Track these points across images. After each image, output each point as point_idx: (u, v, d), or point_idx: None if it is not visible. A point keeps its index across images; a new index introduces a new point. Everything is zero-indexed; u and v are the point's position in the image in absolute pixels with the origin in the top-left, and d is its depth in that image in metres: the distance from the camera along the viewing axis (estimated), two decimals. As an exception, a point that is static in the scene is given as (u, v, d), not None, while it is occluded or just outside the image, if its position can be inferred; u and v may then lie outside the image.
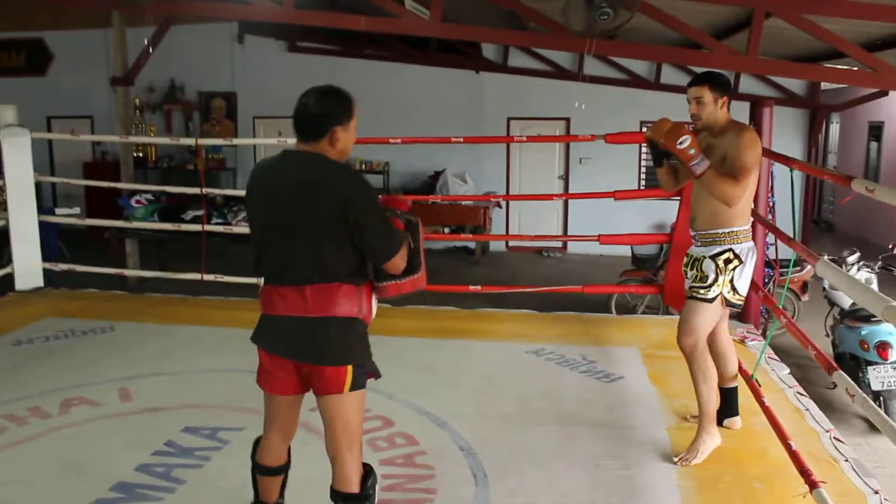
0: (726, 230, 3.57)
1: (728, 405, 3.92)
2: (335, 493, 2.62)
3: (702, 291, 3.59)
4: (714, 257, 3.57)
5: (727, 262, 3.56)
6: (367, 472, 2.66)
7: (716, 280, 3.55)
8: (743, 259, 3.57)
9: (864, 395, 2.66)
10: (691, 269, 3.70)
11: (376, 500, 2.75)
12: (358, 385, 2.56)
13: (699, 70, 3.84)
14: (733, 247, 3.57)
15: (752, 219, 3.64)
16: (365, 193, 2.50)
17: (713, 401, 3.66)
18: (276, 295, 2.54)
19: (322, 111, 2.50)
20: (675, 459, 3.62)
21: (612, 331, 5.78)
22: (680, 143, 3.32)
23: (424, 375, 4.73)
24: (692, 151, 3.32)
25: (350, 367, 2.53)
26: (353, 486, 2.60)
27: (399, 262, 2.58)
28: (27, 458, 3.64)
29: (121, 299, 6.82)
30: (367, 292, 2.60)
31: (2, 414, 4.11)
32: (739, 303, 3.64)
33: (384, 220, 2.56)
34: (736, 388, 3.92)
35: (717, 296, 3.56)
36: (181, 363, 4.96)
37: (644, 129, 3.66)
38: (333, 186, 2.45)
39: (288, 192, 2.48)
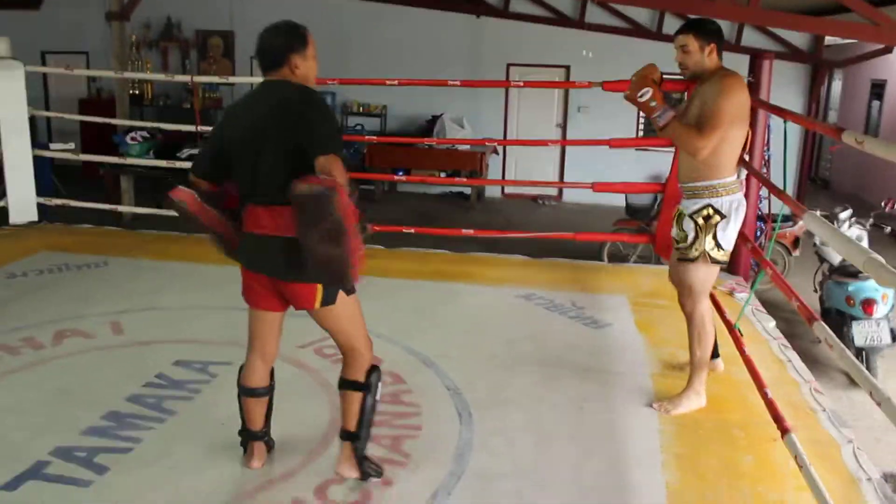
0: (706, 183, 3.45)
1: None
2: (342, 380, 2.91)
3: (686, 252, 3.53)
4: (693, 215, 3.47)
5: (707, 218, 3.45)
6: (372, 368, 2.90)
7: (696, 238, 3.47)
8: (726, 214, 3.45)
9: (844, 347, 2.70)
10: (676, 224, 3.61)
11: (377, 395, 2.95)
12: (329, 301, 2.71)
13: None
14: (712, 201, 3.45)
15: (738, 172, 3.54)
16: (319, 105, 2.65)
17: (705, 363, 3.64)
18: (248, 213, 2.73)
19: (278, 43, 2.70)
20: (655, 405, 3.68)
21: (602, 278, 5.83)
22: (641, 96, 3.26)
23: (414, 316, 4.79)
24: (653, 104, 3.24)
25: (319, 286, 2.68)
26: (357, 375, 2.87)
27: (337, 170, 2.46)
28: (20, 387, 3.70)
29: (115, 235, 6.85)
30: None
31: (-5, 344, 4.17)
32: (724, 259, 3.54)
33: (331, 130, 2.63)
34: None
35: (700, 254, 3.48)
36: (173, 299, 5.01)
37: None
38: (293, 103, 2.62)
39: (256, 113, 2.67)
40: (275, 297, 2.80)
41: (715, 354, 3.95)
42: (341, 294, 2.74)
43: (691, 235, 3.49)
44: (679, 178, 3.60)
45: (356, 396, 2.88)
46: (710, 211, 3.45)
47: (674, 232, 3.63)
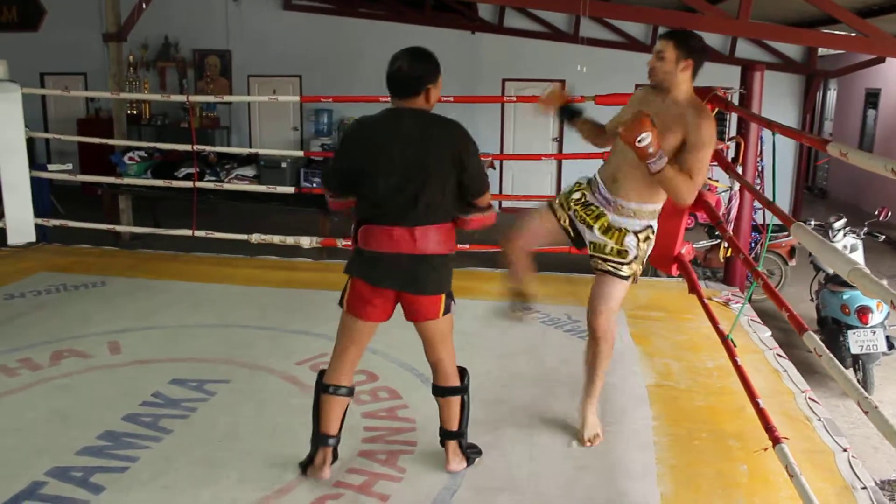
0: (652, 207, 3.35)
1: None
2: (441, 389, 3.12)
3: (621, 268, 3.36)
4: (637, 233, 3.35)
5: (646, 240, 3.37)
6: (463, 372, 3.18)
7: (635, 257, 3.36)
8: (653, 234, 3.41)
9: (832, 356, 2.72)
10: (605, 235, 3.38)
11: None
12: (448, 309, 3.00)
13: (695, 34, 3.68)
14: (651, 223, 3.39)
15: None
16: (472, 142, 2.92)
17: (600, 383, 3.55)
18: (383, 234, 2.86)
19: (418, 73, 2.85)
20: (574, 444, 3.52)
21: (598, 292, 5.83)
22: (639, 141, 3.06)
23: (410, 332, 4.71)
24: (651, 150, 3.07)
25: (443, 296, 2.96)
26: (454, 381, 3.11)
27: (488, 196, 3.02)
28: (18, 407, 3.72)
29: (113, 255, 6.87)
30: (454, 229, 3.00)
31: (-7, 365, 4.18)
32: (633, 276, 3.42)
33: (481, 161, 2.97)
34: None
35: (633, 274, 3.38)
36: (171, 318, 5.03)
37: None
38: (449, 136, 2.87)
39: (405, 142, 2.81)
40: (390, 308, 2.99)
41: None
42: None
43: (632, 253, 3.35)
44: (617, 192, 3.35)
45: (456, 400, 3.13)
46: (650, 233, 3.39)
47: (609, 247, 3.37)
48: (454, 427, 3.15)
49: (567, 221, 3.51)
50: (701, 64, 3.30)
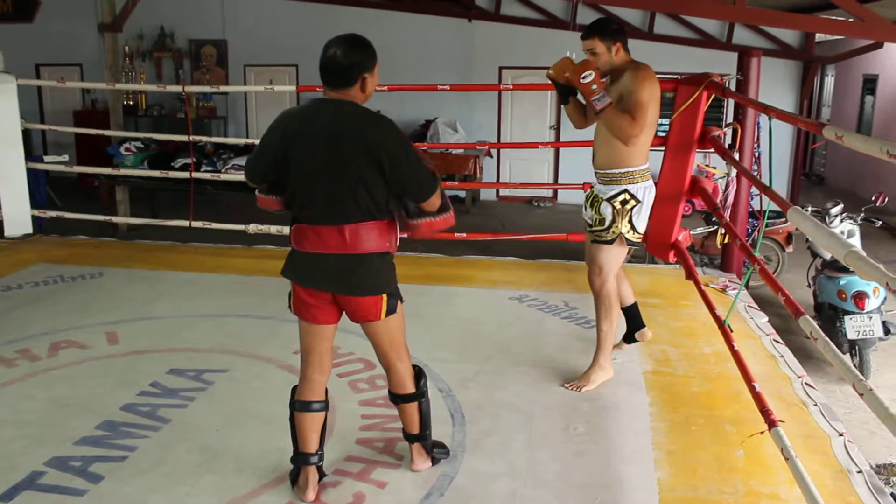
0: (622, 170, 3.69)
1: (634, 321, 4.20)
2: (394, 396, 3.01)
3: (603, 234, 3.75)
4: (610, 200, 3.71)
5: (623, 202, 3.69)
6: (419, 373, 3.03)
7: (613, 222, 3.71)
8: (640, 199, 3.70)
9: (828, 340, 2.72)
10: (590, 208, 3.84)
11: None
12: (392, 310, 2.82)
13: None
14: (629, 187, 3.69)
15: (646, 161, 3.75)
16: (399, 138, 2.69)
17: (611, 338, 3.89)
18: (312, 233, 2.71)
19: (352, 60, 2.65)
20: (567, 385, 3.87)
21: (595, 279, 5.84)
22: (583, 78, 3.39)
23: (408, 321, 4.73)
24: (594, 87, 3.39)
25: (384, 297, 2.79)
26: (409, 388, 2.98)
27: (436, 199, 2.78)
28: (16, 398, 3.72)
29: (110, 246, 6.87)
30: (394, 225, 2.82)
31: (-9, 356, 4.19)
32: (638, 240, 3.80)
33: (420, 161, 2.73)
34: (636, 303, 4.19)
35: (617, 237, 3.72)
36: (168, 308, 5.03)
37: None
38: (370, 132, 2.63)
39: (326, 137, 2.63)
40: (333, 310, 2.82)
41: (641, 325, 4.21)
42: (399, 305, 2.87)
43: (609, 219, 3.72)
44: (595, 164, 3.81)
45: (413, 406, 3.01)
46: (627, 196, 3.70)
47: (588, 215, 3.86)
48: (415, 430, 3.05)
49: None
50: (626, 39, 3.66)
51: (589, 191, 3.93)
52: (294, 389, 2.93)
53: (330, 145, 2.62)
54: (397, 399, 3.01)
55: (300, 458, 2.92)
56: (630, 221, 3.71)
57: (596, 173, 3.83)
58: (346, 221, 2.67)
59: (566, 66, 3.55)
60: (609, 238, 3.73)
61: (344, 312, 2.85)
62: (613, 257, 3.79)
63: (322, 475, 2.98)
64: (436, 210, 2.82)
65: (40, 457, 3.15)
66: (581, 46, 3.70)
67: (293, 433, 2.91)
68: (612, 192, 3.71)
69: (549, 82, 3.71)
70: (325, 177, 2.65)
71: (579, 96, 3.75)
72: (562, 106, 3.96)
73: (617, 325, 3.92)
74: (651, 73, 3.60)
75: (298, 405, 2.88)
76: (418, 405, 3.01)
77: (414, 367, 3.03)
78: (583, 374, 3.89)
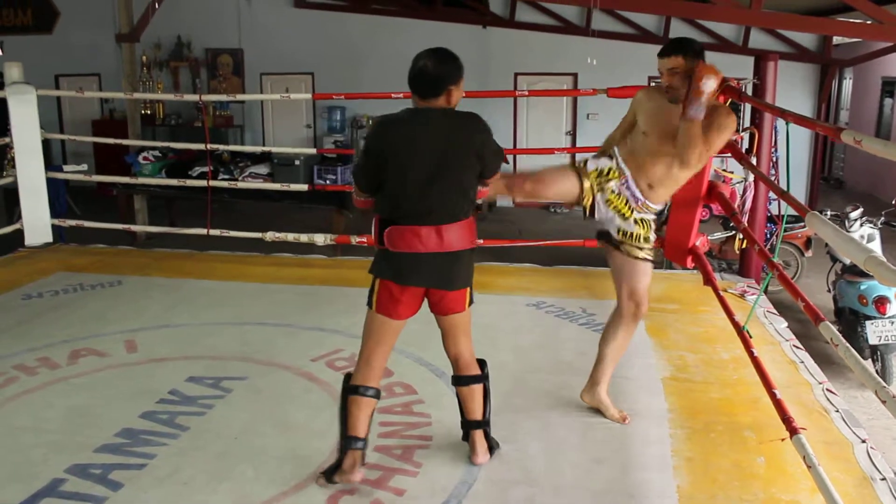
0: (655, 206, 3.49)
1: None
2: (461, 378, 3.17)
3: (645, 252, 3.50)
4: (653, 219, 3.52)
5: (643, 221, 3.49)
6: (482, 362, 3.23)
7: (648, 241, 3.50)
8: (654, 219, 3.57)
9: (849, 346, 2.70)
10: (634, 223, 3.48)
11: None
12: (471, 300, 3.08)
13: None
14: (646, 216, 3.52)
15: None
16: (488, 129, 2.96)
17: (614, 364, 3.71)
18: (411, 234, 2.87)
19: (441, 73, 2.84)
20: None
21: (612, 285, 5.81)
22: (704, 84, 3.15)
23: (425, 327, 4.72)
24: (703, 98, 3.15)
25: (468, 289, 3.05)
26: (476, 370, 3.18)
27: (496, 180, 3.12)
28: (37, 406, 3.75)
29: (129, 254, 6.91)
30: (475, 221, 3.04)
31: (12, 364, 4.22)
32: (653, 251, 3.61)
33: (496, 143, 3.01)
34: None
35: (651, 255, 3.54)
36: (187, 316, 5.06)
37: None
38: (472, 130, 2.90)
39: (437, 142, 2.84)
40: (417, 304, 3.02)
41: None
42: None
43: (652, 238, 3.52)
44: (652, 200, 3.48)
45: (479, 388, 3.18)
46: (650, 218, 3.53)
47: (630, 225, 3.49)
48: (478, 416, 3.20)
49: (589, 202, 3.51)
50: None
51: (632, 212, 3.54)
52: (348, 376, 3.07)
53: (442, 150, 2.83)
54: (465, 381, 3.15)
55: (349, 442, 3.01)
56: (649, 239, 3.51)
57: (645, 202, 3.47)
58: (444, 221, 2.87)
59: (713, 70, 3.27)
60: (650, 257, 3.52)
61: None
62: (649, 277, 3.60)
63: (363, 461, 3.07)
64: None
65: (61, 464, 3.17)
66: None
67: (343, 418, 3.03)
68: (640, 216, 3.47)
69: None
70: (436, 177, 2.82)
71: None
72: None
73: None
74: (733, 121, 3.34)
75: (360, 389, 3.00)
76: (483, 387, 3.19)
77: (477, 358, 3.20)
78: (607, 410, 3.66)
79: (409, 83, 2.87)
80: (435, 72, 2.83)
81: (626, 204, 3.48)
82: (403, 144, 2.84)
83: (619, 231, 3.52)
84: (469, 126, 2.91)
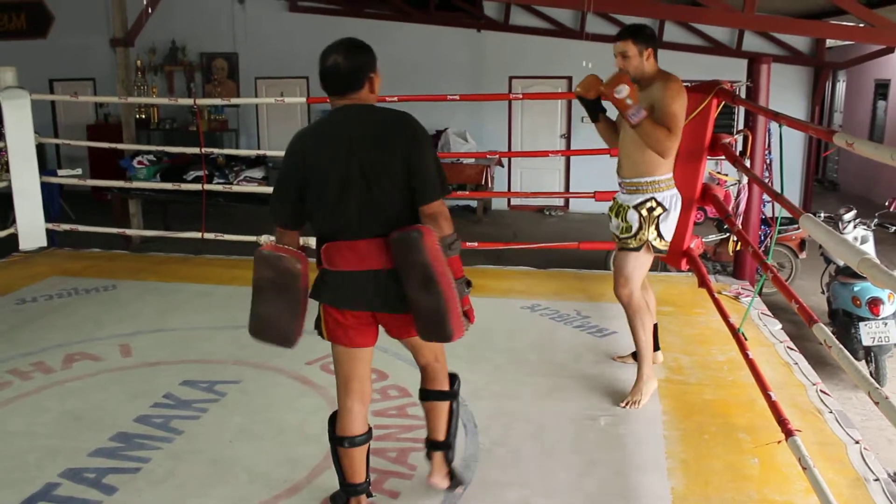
0: (648, 179, 3.69)
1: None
2: (427, 392, 2.90)
3: (629, 241, 3.73)
4: (637, 207, 3.71)
5: (650, 210, 3.69)
6: (454, 377, 2.97)
7: (640, 229, 3.70)
8: (667, 207, 3.70)
9: (842, 347, 2.71)
10: (616, 217, 3.83)
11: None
12: None
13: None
14: (655, 195, 3.69)
15: (672, 170, 3.75)
16: (425, 135, 2.58)
17: (650, 344, 3.86)
18: (347, 250, 2.54)
19: (356, 63, 2.54)
20: (622, 404, 3.76)
21: (607, 287, 5.76)
22: (617, 93, 3.42)
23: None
24: (629, 101, 3.42)
25: None
26: (444, 385, 2.90)
27: (443, 216, 2.54)
28: (31, 410, 3.75)
29: (123, 259, 6.91)
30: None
31: (7, 369, 4.21)
32: (665, 248, 3.78)
33: (436, 160, 2.56)
34: (656, 325, 4.09)
35: (643, 244, 3.71)
36: (181, 320, 5.05)
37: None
38: (401, 131, 2.52)
39: (358, 145, 2.49)
40: (372, 331, 2.68)
41: (656, 347, 4.14)
42: None
43: (635, 226, 3.71)
44: (620, 174, 3.81)
45: (444, 406, 2.92)
46: (654, 203, 3.70)
47: (614, 224, 3.84)
48: (441, 437, 2.93)
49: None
50: (657, 46, 3.65)
51: (612, 202, 3.92)
52: (332, 419, 2.77)
53: (372, 148, 2.48)
54: (430, 395, 2.90)
55: (349, 491, 2.79)
56: (657, 229, 3.70)
57: (620, 183, 3.82)
58: (385, 233, 2.49)
59: (594, 84, 3.60)
60: (635, 245, 3.71)
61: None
62: (639, 266, 3.76)
63: (370, 496, 2.88)
64: (445, 234, 2.54)
65: (55, 469, 3.17)
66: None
67: (338, 467, 2.78)
68: (639, 200, 3.71)
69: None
70: (366, 184, 2.47)
71: (612, 111, 3.75)
72: (595, 126, 3.95)
73: (650, 331, 3.87)
74: (681, 85, 3.60)
75: (344, 442, 2.71)
76: (450, 406, 2.94)
77: (450, 373, 2.96)
78: (633, 389, 3.80)
79: (321, 84, 2.57)
80: (349, 63, 2.52)
81: (613, 208, 3.88)
82: (322, 151, 2.52)
83: (612, 235, 3.88)
84: (398, 123, 2.54)
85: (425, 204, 2.52)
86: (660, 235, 3.72)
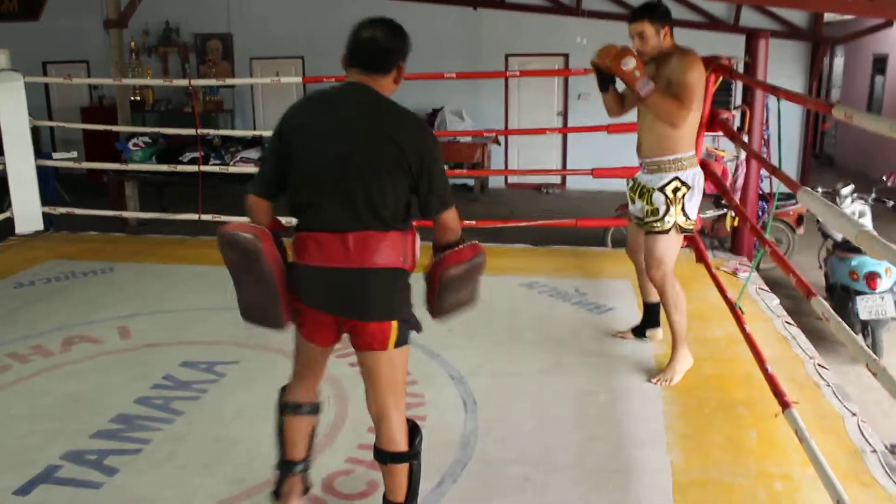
0: (671, 157, 3.64)
1: (649, 318, 4.20)
2: (382, 453, 2.48)
3: (657, 224, 3.69)
4: (662, 189, 3.66)
5: (675, 191, 3.65)
6: (414, 429, 2.52)
7: (667, 211, 3.66)
8: (691, 185, 3.66)
9: (840, 320, 2.71)
10: (640, 199, 3.78)
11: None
12: (403, 341, 2.41)
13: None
14: (679, 174, 3.66)
15: (695, 147, 3.74)
16: (436, 143, 2.41)
17: (684, 325, 3.82)
18: (312, 243, 2.33)
19: (392, 45, 2.37)
20: (654, 381, 3.77)
21: (605, 264, 5.84)
22: (624, 65, 3.41)
23: (418, 310, 4.80)
24: (637, 73, 3.41)
25: (395, 323, 2.37)
26: (401, 445, 2.46)
27: (456, 221, 2.45)
28: (31, 394, 3.75)
29: (120, 241, 6.89)
30: (412, 239, 2.43)
31: (5, 352, 4.22)
32: (691, 227, 3.75)
33: (444, 174, 2.43)
34: (658, 303, 4.05)
35: (672, 226, 3.68)
36: (179, 301, 5.05)
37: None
38: (407, 132, 2.32)
39: (343, 125, 2.31)
40: (333, 333, 2.46)
41: (655, 324, 4.19)
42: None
43: (662, 209, 3.66)
44: (641, 153, 3.76)
45: (403, 469, 2.49)
46: (678, 183, 3.66)
47: (638, 207, 3.81)
48: (398, 499, 2.51)
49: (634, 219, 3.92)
50: (672, 23, 3.62)
51: (632, 182, 3.87)
52: (283, 389, 2.63)
53: (347, 133, 2.29)
54: (385, 458, 2.48)
55: (284, 467, 2.62)
56: (683, 210, 3.67)
57: (642, 163, 3.78)
58: (355, 228, 2.29)
59: (608, 53, 3.55)
60: (665, 228, 3.67)
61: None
62: (671, 247, 3.72)
63: (307, 487, 2.69)
64: (458, 238, 2.48)
65: (56, 451, 3.18)
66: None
67: (279, 438, 2.62)
68: (664, 181, 3.66)
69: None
70: (340, 171, 2.28)
71: (619, 84, 3.72)
72: (602, 94, 3.90)
73: (684, 310, 3.81)
74: (698, 58, 3.57)
75: (288, 407, 2.57)
76: (409, 468, 2.50)
77: (408, 421, 2.53)
78: (667, 367, 3.81)
79: (349, 54, 2.37)
80: (386, 43, 2.35)
81: (635, 190, 3.84)
82: (305, 128, 2.33)
83: (635, 219, 3.89)
84: (403, 121, 2.35)
85: (442, 212, 2.40)
86: (686, 215, 3.68)
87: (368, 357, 2.41)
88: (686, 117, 3.51)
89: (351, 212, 2.29)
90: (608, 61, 3.49)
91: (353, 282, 2.32)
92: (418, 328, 2.49)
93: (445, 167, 2.49)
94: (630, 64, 3.40)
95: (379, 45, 2.35)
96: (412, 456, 2.49)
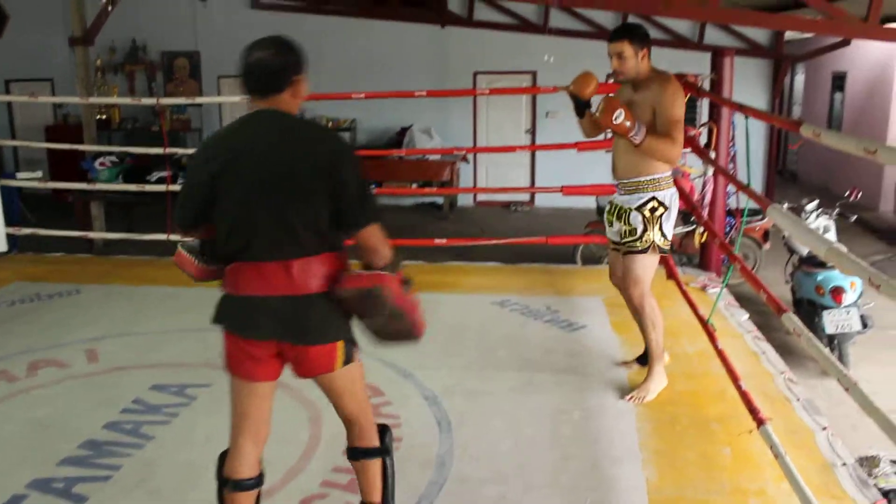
0: (648, 178, 3.66)
1: None
2: (355, 451, 2.54)
3: (636, 244, 3.70)
4: (640, 209, 3.67)
5: (653, 210, 3.66)
6: (384, 428, 2.62)
7: (645, 230, 3.67)
8: (668, 205, 3.69)
9: (811, 335, 2.75)
10: (618, 220, 3.79)
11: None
12: (350, 359, 2.40)
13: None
14: (656, 194, 3.67)
15: (671, 167, 3.74)
16: (353, 155, 2.35)
17: (661, 343, 3.84)
18: (254, 272, 2.29)
19: (282, 62, 2.30)
20: (627, 398, 3.78)
21: (576, 281, 5.87)
22: (616, 119, 3.45)
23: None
24: (628, 124, 3.46)
25: (340, 343, 2.37)
26: (373, 441, 2.55)
27: (378, 241, 2.34)
28: (-5, 420, 3.67)
29: (87, 262, 6.79)
30: (345, 259, 2.41)
31: (-32, 377, 4.12)
32: (668, 247, 3.77)
33: (364, 185, 2.34)
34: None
35: (650, 245, 3.69)
36: (148, 323, 4.98)
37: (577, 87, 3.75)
38: (321, 148, 2.28)
39: (267, 156, 2.25)
40: (274, 363, 2.40)
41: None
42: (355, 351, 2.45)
43: (640, 228, 3.68)
44: (617, 175, 3.79)
45: (377, 465, 2.56)
46: (656, 203, 3.68)
47: (616, 229, 3.81)
48: (375, 499, 2.57)
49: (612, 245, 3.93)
50: (651, 46, 3.65)
51: (609, 205, 3.89)
52: (222, 457, 2.51)
53: (273, 164, 2.24)
54: (359, 454, 2.54)
55: None
56: (660, 229, 3.69)
57: (619, 184, 3.79)
58: (295, 255, 2.27)
59: (588, 83, 3.63)
60: (643, 247, 3.69)
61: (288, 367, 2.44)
62: (649, 266, 3.75)
63: None
64: (386, 259, 2.36)
65: (21, 479, 3.10)
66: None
67: None
68: (642, 201, 3.67)
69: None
70: (268, 202, 2.24)
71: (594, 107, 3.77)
72: (578, 119, 3.95)
73: (662, 329, 3.84)
74: (678, 84, 3.62)
75: (229, 484, 2.45)
76: (382, 463, 2.57)
77: (378, 424, 2.60)
78: (641, 384, 3.83)
79: (242, 81, 2.32)
80: (273, 62, 2.29)
81: (612, 212, 3.84)
82: (231, 162, 2.27)
83: (611, 242, 3.91)
84: (317, 136, 2.34)
85: (359, 229, 2.31)
86: (663, 235, 3.70)
87: (322, 381, 2.44)
88: (680, 150, 3.55)
89: (288, 238, 2.26)
90: (600, 118, 3.51)
91: (297, 308, 2.30)
92: (357, 345, 2.46)
93: (376, 185, 2.46)
94: (620, 117, 3.44)
95: (266, 67, 2.30)
96: (384, 451, 2.57)
